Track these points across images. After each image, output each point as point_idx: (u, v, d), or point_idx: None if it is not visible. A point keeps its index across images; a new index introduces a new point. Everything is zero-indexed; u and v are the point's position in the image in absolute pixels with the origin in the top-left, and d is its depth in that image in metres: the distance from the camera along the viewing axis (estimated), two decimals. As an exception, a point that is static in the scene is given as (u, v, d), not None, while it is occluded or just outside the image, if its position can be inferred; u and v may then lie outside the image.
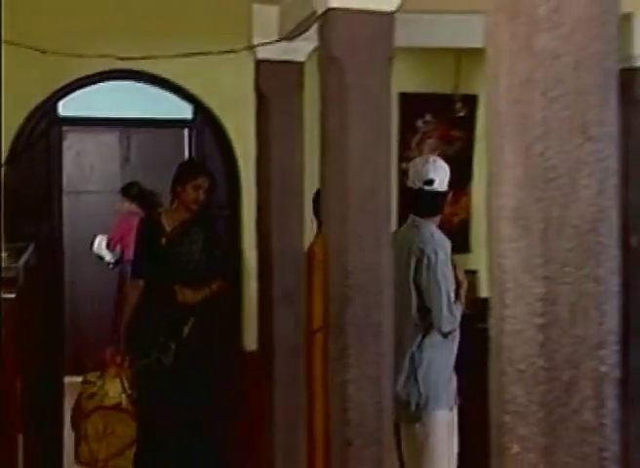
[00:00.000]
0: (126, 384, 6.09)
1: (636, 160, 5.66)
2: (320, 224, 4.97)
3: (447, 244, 5.01)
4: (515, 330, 2.00)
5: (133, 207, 9.05)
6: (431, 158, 5.25)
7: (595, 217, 2.00)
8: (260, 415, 5.65)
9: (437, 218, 5.17)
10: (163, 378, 5.96)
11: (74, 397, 6.25)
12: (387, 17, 3.93)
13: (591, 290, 1.98)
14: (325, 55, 4.03)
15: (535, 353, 1.98)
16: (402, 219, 7.26)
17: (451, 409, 4.93)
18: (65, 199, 6.63)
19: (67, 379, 6.66)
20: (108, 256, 9.39)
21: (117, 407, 6.05)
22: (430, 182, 5.00)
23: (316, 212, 5.21)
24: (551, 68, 1.99)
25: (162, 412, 5.89)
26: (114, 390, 6.07)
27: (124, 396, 6.06)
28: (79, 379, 6.44)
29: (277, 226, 5.39)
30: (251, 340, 6.33)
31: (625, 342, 5.84)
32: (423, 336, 4.89)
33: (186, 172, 6.32)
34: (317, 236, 5.30)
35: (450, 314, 4.86)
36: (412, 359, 4.88)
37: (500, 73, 2.06)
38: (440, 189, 5.04)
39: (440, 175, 5.01)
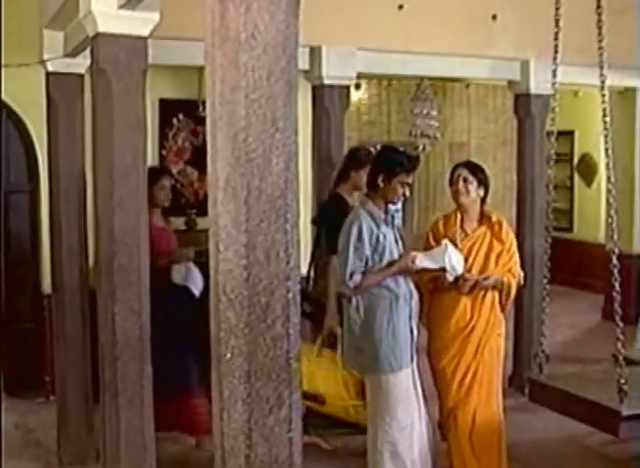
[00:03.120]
0: None
1: (325, 149, 5.83)
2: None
3: (371, 216, 4.29)
4: (227, 269, 1.99)
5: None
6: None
7: (283, 187, 2.01)
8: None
9: (377, 195, 4.38)
10: None
11: None
12: (142, 40, 3.86)
13: (281, 238, 2.00)
14: (95, 68, 3.91)
15: (241, 285, 1.98)
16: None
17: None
18: None
19: None
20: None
21: None
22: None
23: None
24: (251, 78, 1.99)
25: None
26: None
27: None
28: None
29: (64, 197, 5.20)
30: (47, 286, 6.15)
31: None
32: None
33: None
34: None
35: (339, 277, 4.28)
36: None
37: (216, 81, 2.04)
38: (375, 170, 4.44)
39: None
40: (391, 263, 4.30)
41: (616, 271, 3.51)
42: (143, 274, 3.80)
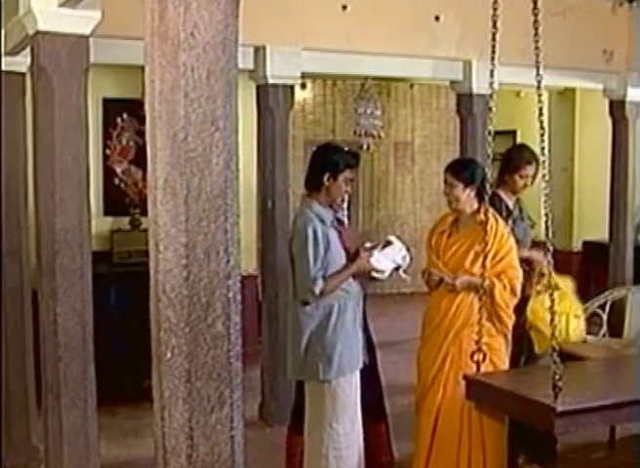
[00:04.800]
0: None
1: (270, 148, 5.83)
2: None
3: (319, 218, 4.17)
4: (167, 268, 1.98)
5: None
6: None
7: (223, 186, 2.00)
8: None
9: (321, 195, 4.26)
10: None
11: None
12: (83, 38, 3.81)
13: (220, 238, 1.99)
14: (36, 67, 3.85)
15: (181, 285, 1.97)
16: (107, 191, 7.15)
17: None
18: None
19: None
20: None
21: None
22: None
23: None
24: (190, 78, 1.98)
25: None
26: None
27: None
28: None
29: (5, 197, 5.08)
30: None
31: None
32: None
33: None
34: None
35: (303, 285, 4.11)
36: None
37: (155, 80, 2.02)
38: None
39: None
40: (346, 265, 4.25)
41: (550, 268, 3.58)
42: (86, 274, 3.76)
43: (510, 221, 5.02)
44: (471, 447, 4.36)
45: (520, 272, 4.41)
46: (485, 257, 4.21)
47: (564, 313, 4.37)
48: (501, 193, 5.08)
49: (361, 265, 4.28)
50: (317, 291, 4.08)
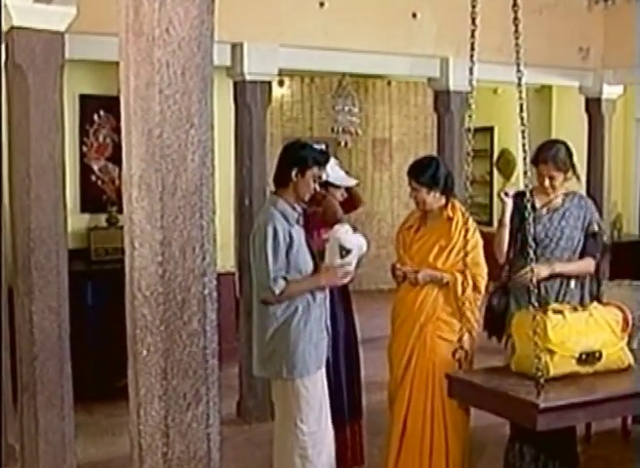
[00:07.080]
0: None
1: (247, 146, 5.81)
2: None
3: (283, 216, 4.04)
4: (142, 266, 1.97)
5: None
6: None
7: (199, 183, 2.00)
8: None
9: (289, 192, 4.14)
10: None
11: None
12: (59, 34, 3.79)
13: (196, 235, 1.99)
14: (11, 63, 3.82)
15: (156, 282, 1.96)
16: (84, 188, 7.09)
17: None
18: None
19: None
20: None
21: None
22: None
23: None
24: (165, 74, 1.97)
25: None
26: None
27: None
28: None
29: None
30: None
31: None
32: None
33: None
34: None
35: (262, 283, 4.00)
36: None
37: (130, 77, 2.01)
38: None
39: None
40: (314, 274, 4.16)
41: (533, 263, 3.61)
42: (62, 272, 3.74)
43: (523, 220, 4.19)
44: (433, 445, 4.37)
45: (485, 270, 4.35)
46: (450, 252, 4.23)
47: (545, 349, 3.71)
48: (535, 191, 4.46)
49: (330, 280, 4.17)
50: (277, 291, 3.97)
